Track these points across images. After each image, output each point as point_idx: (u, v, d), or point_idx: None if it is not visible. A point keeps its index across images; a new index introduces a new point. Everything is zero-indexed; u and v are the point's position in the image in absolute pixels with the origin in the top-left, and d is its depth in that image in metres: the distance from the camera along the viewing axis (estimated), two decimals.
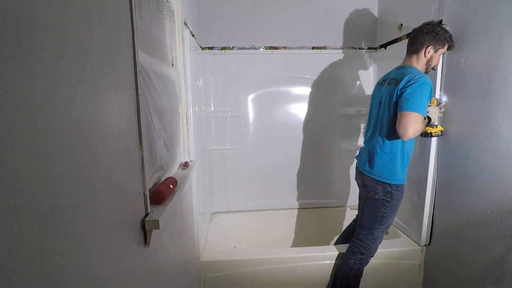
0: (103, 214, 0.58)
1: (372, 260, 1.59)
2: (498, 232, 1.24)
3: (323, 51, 2.16)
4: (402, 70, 1.42)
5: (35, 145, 0.40)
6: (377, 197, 1.45)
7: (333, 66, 2.19)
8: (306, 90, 2.22)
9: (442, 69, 1.52)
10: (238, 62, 2.12)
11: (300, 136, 2.26)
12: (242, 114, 2.20)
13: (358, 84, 2.25)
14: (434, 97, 1.52)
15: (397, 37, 1.90)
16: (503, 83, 1.21)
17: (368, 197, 1.49)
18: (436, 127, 1.52)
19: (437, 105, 1.51)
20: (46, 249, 0.42)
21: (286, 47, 2.13)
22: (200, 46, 2.00)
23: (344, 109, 2.24)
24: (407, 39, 1.46)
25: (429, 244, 1.68)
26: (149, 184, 0.87)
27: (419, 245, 1.70)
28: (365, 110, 2.24)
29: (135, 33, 0.75)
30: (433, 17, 1.57)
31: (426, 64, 1.42)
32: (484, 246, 1.32)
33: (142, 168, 0.79)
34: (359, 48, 2.18)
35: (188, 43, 1.42)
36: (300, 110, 2.23)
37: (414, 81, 1.29)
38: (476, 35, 1.32)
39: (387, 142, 1.42)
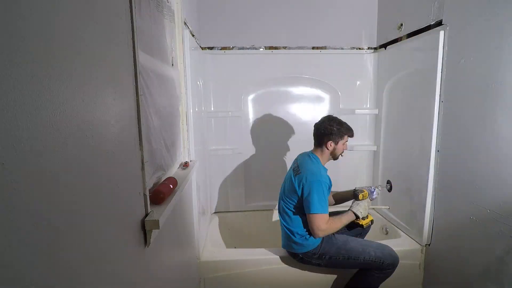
0: (103, 214, 0.58)
1: None
2: (498, 232, 1.24)
3: (323, 51, 2.16)
4: (307, 160, 1.55)
5: (35, 145, 0.40)
6: (322, 263, 1.54)
7: (333, 66, 2.19)
8: (306, 90, 2.22)
9: (442, 69, 1.52)
10: (238, 62, 2.12)
11: (300, 136, 2.26)
12: (242, 114, 2.20)
13: (358, 84, 2.25)
14: (366, 188, 1.64)
15: (397, 37, 1.90)
16: (503, 83, 1.21)
17: (322, 264, 1.56)
18: (367, 217, 1.59)
19: (369, 197, 1.62)
20: (46, 249, 0.42)
21: (286, 47, 2.13)
22: (200, 46, 2.00)
23: (344, 109, 2.24)
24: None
25: (429, 244, 1.68)
26: (149, 184, 0.87)
27: (421, 244, 1.70)
28: (365, 110, 2.24)
29: (135, 33, 0.75)
30: (433, 17, 1.57)
31: (331, 154, 1.56)
32: (484, 246, 1.32)
33: (142, 168, 0.78)
34: (359, 48, 2.18)
35: (188, 43, 1.42)
36: (300, 110, 2.23)
37: (308, 182, 1.43)
38: (476, 35, 1.32)
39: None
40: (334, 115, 1.61)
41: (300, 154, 1.66)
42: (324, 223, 1.43)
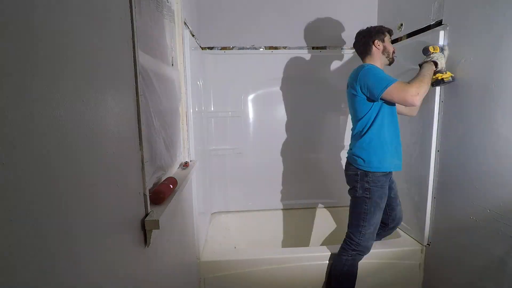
0: (103, 214, 0.58)
1: (372, 260, 1.59)
2: (498, 232, 1.24)
3: (323, 51, 2.16)
4: (354, 72, 1.48)
5: (35, 145, 0.40)
6: (357, 194, 1.50)
7: (333, 66, 2.19)
8: (306, 90, 2.22)
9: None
10: (238, 62, 2.12)
11: (300, 136, 2.26)
12: (242, 114, 2.20)
13: None
14: (435, 45, 1.49)
15: (397, 37, 1.90)
16: (503, 83, 1.21)
17: (351, 195, 1.56)
18: (446, 73, 1.45)
19: (441, 52, 1.47)
20: (46, 249, 0.42)
21: (286, 47, 2.13)
22: (200, 46, 2.00)
23: (344, 109, 2.24)
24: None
25: (429, 244, 1.68)
26: (149, 184, 0.87)
27: (422, 244, 1.70)
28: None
29: (135, 33, 0.75)
30: (433, 17, 1.57)
31: (384, 54, 1.49)
32: (484, 246, 1.32)
33: (142, 168, 0.79)
34: None
35: (188, 43, 1.42)
36: (300, 110, 2.23)
37: (359, 73, 1.39)
38: (476, 35, 1.32)
39: (363, 133, 1.48)
40: None
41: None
42: (404, 87, 1.31)
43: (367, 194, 1.47)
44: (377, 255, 1.66)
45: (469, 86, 1.37)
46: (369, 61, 1.51)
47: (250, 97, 2.20)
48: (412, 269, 1.72)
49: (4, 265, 0.34)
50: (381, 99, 1.39)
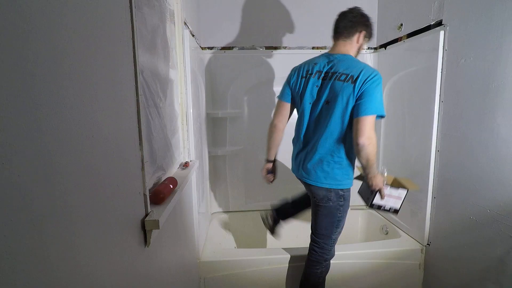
0: (103, 214, 0.58)
1: (372, 260, 1.59)
2: (498, 232, 1.24)
3: (323, 51, 2.15)
4: (349, 62, 1.26)
5: (34, 145, 0.40)
6: (331, 203, 1.34)
7: None
8: None
9: (442, 69, 1.52)
10: (238, 62, 2.12)
11: None
12: (242, 114, 2.20)
13: None
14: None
15: (397, 37, 1.90)
16: (503, 83, 1.21)
17: (320, 204, 1.37)
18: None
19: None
20: (46, 249, 0.42)
21: (286, 47, 2.13)
22: (200, 46, 2.00)
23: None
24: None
25: (429, 244, 1.68)
26: (149, 184, 0.87)
27: (422, 244, 1.70)
28: None
29: (135, 33, 0.75)
30: (433, 17, 1.57)
31: (356, 51, 1.32)
32: (484, 246, 1.32)
33: (142, 168, 0.79)
34: None
35: (188, 43, 1.42)
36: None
37: (371, 79, 1.18)
38: (476, 35, 1.32)
39: (341, 148, 1.29)
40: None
41: (325, 60, 1.33)
42: (373, 126, 1.19)
43: (341, 201, 1.35)
44: (377, 255, 1.65)
45: (469, 86, 1.37)
46: (346, 48, 1.30)
47: (250, 97, 2.20)
48: (412, 269, 1.72)
49: (4, 265, 0.34)
50: (351, 115, 1.23)
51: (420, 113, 1.68)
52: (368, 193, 1.37)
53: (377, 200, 1.34)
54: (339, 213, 1.37)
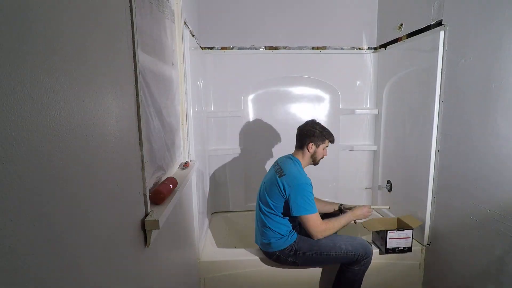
0: (103, 214, 0.58)
1: (372, 260, 1.59)
2: (498, 232, 1.24)
3: (323, 51, 2.16)
4: (290, 163, 1.57)
5: (35, 145, 0.40)
6: (294, 259, 1.53)
7: (333, 66, 2.19)
8: (306, 90, 2.22)
9: (442, 69, 1.52)
10: (238, 62, 2.12)
11: None
12: (242, 114, 2.20)
13: (358, 84, 2.24)
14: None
15: (397, 37, 1.90)
16: (503, 83, 1.21)
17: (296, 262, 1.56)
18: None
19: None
20: (46, 249, 0.42)
21: (286, 47, 2.13)
22: (200, 46, 2.00)
23: (344, 109, 2.24)
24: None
25: (429, 244, 1.68)
26: (149, 184, 0.87)
27: (422, 244, 1.70)
28: (365, 110, 2.24)
29: (135, 33, 0.75)
30: (433, 17, 1.57)
31: (312, 158, 1.59)
32: (484, 246, 1.32)
33: (142, 168, 0.79)
34: (359, 48, 2.18)
35: (188, 43, 1.42)
36: (300, 110, 2.23)
37: (295, 185, 1.45)
38: (476, 35, 1.32)
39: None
40: (318, 120, 1.64)
41: (280, 157, 1.67)
42: (319, 223, 1.45)
43: (298, 253, 1.52)
44: (377, 255, 1.65)
45: (469, 86, 1.37)
46: (297, 155, 1.60)
47: (250, 97, 2.20)
48: (412, 269, 1.72)
49: (4, 265, 0.34)
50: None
51: (420, 113, 1.68)
52: (380, 240, 1.65)
53: (390, 244, 1.61)
54: (317, 256, 1.52)
